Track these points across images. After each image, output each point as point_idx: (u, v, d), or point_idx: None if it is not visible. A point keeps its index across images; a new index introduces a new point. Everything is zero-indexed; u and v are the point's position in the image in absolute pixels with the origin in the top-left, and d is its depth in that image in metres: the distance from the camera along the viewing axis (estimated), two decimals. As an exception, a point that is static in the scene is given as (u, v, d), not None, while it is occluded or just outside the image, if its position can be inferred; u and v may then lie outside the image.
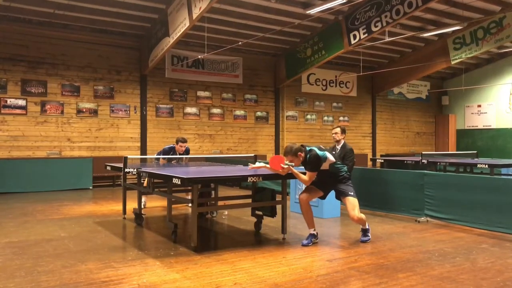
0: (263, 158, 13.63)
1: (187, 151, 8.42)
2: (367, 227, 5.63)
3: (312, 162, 5.28)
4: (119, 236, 6.05)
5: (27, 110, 11.05)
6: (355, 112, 17.07)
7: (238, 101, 14.34)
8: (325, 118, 16.26)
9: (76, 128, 11.66)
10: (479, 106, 18.24)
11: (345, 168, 5.63)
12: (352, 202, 5.42)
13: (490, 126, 17.89)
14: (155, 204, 8.64)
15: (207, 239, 5.98)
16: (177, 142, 8.24)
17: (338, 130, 7.92)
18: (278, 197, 5.96)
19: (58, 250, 5.11)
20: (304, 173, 5.42)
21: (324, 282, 4.02)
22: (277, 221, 6.03)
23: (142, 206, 7.61)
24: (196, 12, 9.33)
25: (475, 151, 12.47)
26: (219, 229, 6.67)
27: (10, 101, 10.86)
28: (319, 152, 5.34)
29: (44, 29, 11.15)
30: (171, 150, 8.26)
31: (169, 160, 8.24)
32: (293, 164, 5.24)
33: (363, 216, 5.51)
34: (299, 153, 5.24)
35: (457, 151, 17.88)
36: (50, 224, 6.70)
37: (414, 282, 4.04)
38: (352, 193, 5.46)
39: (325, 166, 5.38)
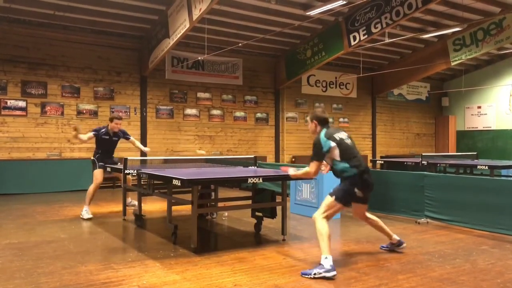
0: (263, 159, 13.64)
1: (124, 133, 7.84)
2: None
3: (313, 146, 4.65)
4: (119, 238, 6.04)
5: (27, 111, 11.05)
6: (355, 114, 17.07)
7: (238, 102, 14.34)
8: (325, 119, 16.24)
9: (76, 130, 11.65)
10: (479, 107, 18.25)
11: (351, 172, 4.58)
12: (324, 201, 4.70)
13: (490, 127, 17.89)
14: (154, 206, 8.64)
15: (207, 240, 5.98)
16: (111, 119, 7.53)
17: None
18: (278, 199, 5.96)
19: (58, 252, 5.11)
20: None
21: (324, 284, 4.01)
22: (277, 222, 6.03)
23: (130, 204, 7.65)
24: (196, 14, 9.34)
25: (475, 153, 12.48)
26: (219, 231, 6.67)
27: (10, 103, 10.86)
28: (322, 138, 4.58)
29: (44, 30, 11.16)
30: (103, 129, 7.52)
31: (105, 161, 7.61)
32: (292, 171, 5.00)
33: (323, 225, 4.44)
34: (314, 120, 4.74)
35: (457, 152, 17.88)
36: (50, 225, 6.70)
37: (414, 283, 4.03)
38: (331, 192, 4.67)
39: (331, 157, 4.61)
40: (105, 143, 7.55)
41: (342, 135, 4.70)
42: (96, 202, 9.38)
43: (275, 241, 5.73)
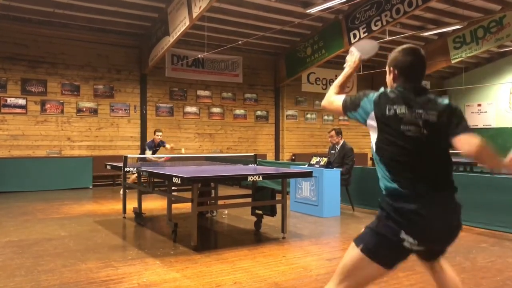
0: (263, 157, 13.64)
1: (162, 142, 10.21)
2: None
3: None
4: (119, 235, 6.05)
5: (27, 109, 11.05)
6: (355, 111, 17.03)
7: (238, 100, 14.33)
8: (325, 117, 16.26)
9: (76, 127, 11.67)
10: (479, 105, 18.24)
11: (392, 185, 2.31)
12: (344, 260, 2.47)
13: (490, 125, 17.89)
14: (154, 204, 8.65)
15: (207, 238, 5.99)
16: (154, 132, 10.33)
17: (333, 133, 8.12)
18: (278, 197, 5.96)
19: (58, 249, 5.11)
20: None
21: (324, 281, 4.01)
22: (277, 220, 6.03)
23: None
24: (196, 11, 9.33)
25: (475, 150, 12.46)
26: (219, 228, 6.67)
27: (10, 100, 10.86)
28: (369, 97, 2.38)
29: (44, 28, 11.15)
30: (153, 143, 10.16)
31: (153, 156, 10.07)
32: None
33: None
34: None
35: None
36: (50, 223, 6.71)
37: (414, 281, 4.04)
38: (358, 241, 2.43)
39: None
40: (154, 152, 10.25)
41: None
42: (96, 200, 9.39)
43: (275, 239, 5.73)
